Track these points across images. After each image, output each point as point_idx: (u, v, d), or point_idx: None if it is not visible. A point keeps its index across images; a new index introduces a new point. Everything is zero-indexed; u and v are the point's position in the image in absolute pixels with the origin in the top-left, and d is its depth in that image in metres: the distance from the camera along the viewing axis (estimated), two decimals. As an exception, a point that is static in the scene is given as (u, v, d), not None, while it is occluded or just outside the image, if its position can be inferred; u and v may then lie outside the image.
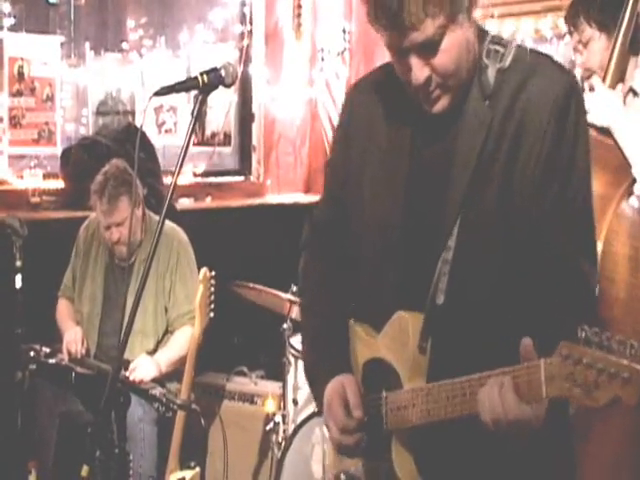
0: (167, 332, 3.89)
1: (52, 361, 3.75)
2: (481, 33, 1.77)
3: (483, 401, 1.57)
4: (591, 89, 2.73)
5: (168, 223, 3.85)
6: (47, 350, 3.75)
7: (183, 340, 3.77)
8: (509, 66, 1.75)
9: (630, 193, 2.62)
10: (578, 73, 2.87)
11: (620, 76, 2.73)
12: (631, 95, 2.75)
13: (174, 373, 3.78)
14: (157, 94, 2.04)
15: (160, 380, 3.71)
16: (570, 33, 2.85)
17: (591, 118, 2.75)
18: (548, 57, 1.83)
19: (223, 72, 2.06)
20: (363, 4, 1.69)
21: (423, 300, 1.76)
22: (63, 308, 4.02)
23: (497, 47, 1.77)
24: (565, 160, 1.72)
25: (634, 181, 2.60)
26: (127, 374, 3.59)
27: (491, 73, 1.75)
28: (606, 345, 1.37)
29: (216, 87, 2.06)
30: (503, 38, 1.80)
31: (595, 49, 2.76)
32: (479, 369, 1.62)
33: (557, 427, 1.71)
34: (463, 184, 1.73)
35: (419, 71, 1.68)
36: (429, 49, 1.66)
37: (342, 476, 1.92)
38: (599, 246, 2.54)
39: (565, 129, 1.71)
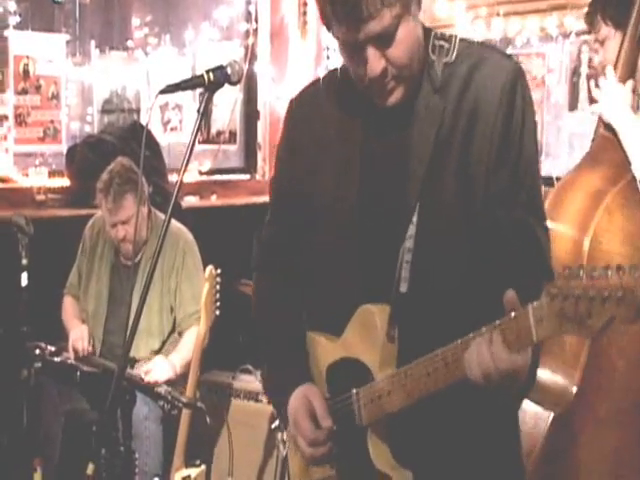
0: (173, 331, 3.89)
1: (57, 359, 3.75)
2: (425, 30, 1.80)
3: (471, 360, 1.57)
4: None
5: (174, 223, 3.85)
6: (52, 348, 3.75)
7: (194, 340, 3.77)
8: (455, 59, 1.78)
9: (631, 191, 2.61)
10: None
11: (630, 71, 2.72)
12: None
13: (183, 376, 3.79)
14: (163, 92, 2.04)
15: (173, 381, 3.71)
16: (589, 32, 2.85)
17: (599, 108, 2.75)
18: (491, 47, 1.90)
19: (229, 70, 2.05)
20: (318, 4, 1.70)
21: (386, 292, 1.77)
22: (69, 306, 4.03)
23: (442, 42, 1.80)
24: (516, 141, 1.76)
25: (634, 179, 2.59)
26: (134, 372, 3.59)
27: (438, 68, 1.78)
28: (594, 275, 1.38)
29: (222, 85, 2.06)
30: (445, 34, 1.83)
31: (611, 47, 2.75)
32: None
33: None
34: (420, 173, 1.75)
35: (375, 63, 1.69)
36: (385, 40, 1.67)
37: None
38: (586, 243, 2.53)
39: (513, 113, 1.75)
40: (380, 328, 1.77)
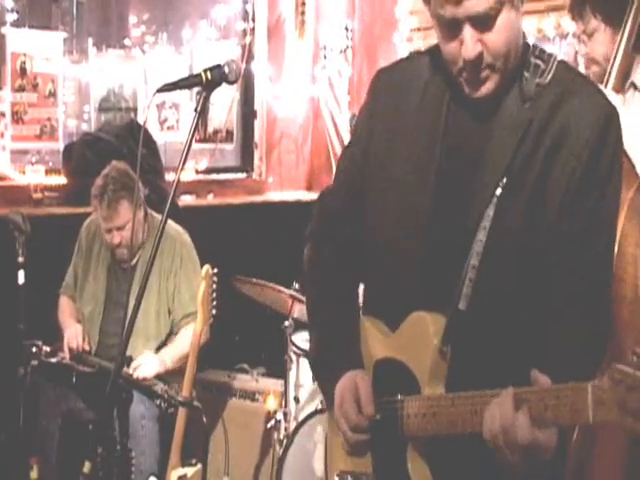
0: (170, 334, 3.88)
1: (53, 360, 3.74)
2: (525, 42, 1.75)
3: (492, 419, 1.54)
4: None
5: (172, 225, 3.85)
6: (48, 349, 3.74)
7: (188, 338, 3.77)
8: (549, 82, 1.73)
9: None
10: (581, 63, 2.86)
11: (624, 77, 2.70)
12: (632, 90, 2.73)
13: (179, 371, 3.78)
14: (160, 90, 2.04)
15: (164, 377, 3.70)
16: (575, 22, 2.81)
17: None
18: (588, 79, 1.83)
19: (226, 69, 2.05)
20: None
21: (442, 302, 1.73)
22: (64, 306, 4.01)
23: (538, 61, 1.74)
24: (598, 185, 1.70)
25: None
26: (129, 371, 3.58)
27: (531, 85, 1.72)
28: None
29: (219, 84, 2.06)
30: (545, 51, 1.77)
31: (599, 40, 2.71)
32: (498, 379, 1.59)
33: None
34: (492, 188, 1.70)
35: (472, 44, 1.65)
36: (484, 23, 1.63)
37: (349, 477, 1.86)
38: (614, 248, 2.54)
39: (603, 154, 1.70)
40: (432, 340, 1.72)
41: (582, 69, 2.85)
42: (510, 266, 1.71)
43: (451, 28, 1.67)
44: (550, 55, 1.77)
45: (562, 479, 1.85)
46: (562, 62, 1.76)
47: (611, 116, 1.72)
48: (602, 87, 2.70)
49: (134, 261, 3.85)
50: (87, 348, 3.77)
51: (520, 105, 1.72)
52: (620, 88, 2.69)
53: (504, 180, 1.70)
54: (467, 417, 1.62)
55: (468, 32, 1.65)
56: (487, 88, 1.71)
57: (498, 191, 1.70)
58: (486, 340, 1.72)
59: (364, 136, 1.92)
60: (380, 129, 1.88)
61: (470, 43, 1.65)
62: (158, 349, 3.81)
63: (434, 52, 1.81)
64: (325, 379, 1.92)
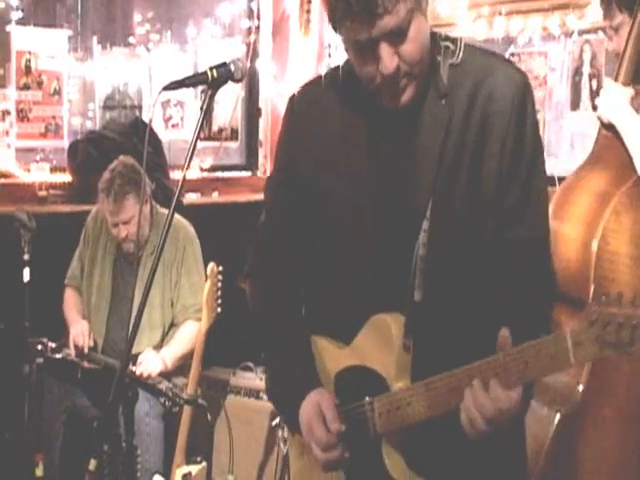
0: (173, 325, 3.89)
1: (59, 356, 3.75)
2: (431, 31, 1.78)
3: (469, 407, 1.61)
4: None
5: (176, 217, 3.85)
6: (53, 345, 3.75)
7: (188, 335, 3.78)
8: (461, 62, 1.77)
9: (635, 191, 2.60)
10: (586, 61, 2.85)
11: (634, 70, 2.70)
12: None
13: (179, 367, 3.79)
14: (166, 88, 2.03)
15: (167, 375, 3.71)
16: (603, 17, 2.82)
17: (598, 112, 2.74)
18: (497, 55, 1.89)
19: (232, 67, 2.04)
20: (326, 5, 1.67)
21: (398, 300, 1.76)
22: (70, 299, 4.02)
23: (447, 43, 1.79)
24: (528, 155, 1.77)
25: (639, 179, 2.58)
26: (133, 369, 3.59)
27: (444, 70, 1.76)
28: (636, 303, 1.42)
29: (225, 82, 2.05)
30: (450, 36, 1.82)
31: (625, 34, 2.72)
32: (462, 362, 1.63)
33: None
34: (428, 182, 1.74)
35: (389, 60, 1.66)
36: (398, 36, 1.65)
37: None
38: (594, 245, 2.53)
39: (525, 123, 1.76)
40: (396, 338, 1.75)
41: (588, 68, 2.84)
42: (455, 250, 1.76)
43: (367, 49, 1.68)
44: (455, 38, 1.81)
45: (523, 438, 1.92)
46: (467, 43, 1.81)
47: (524, 85, 1.77)
48: (612, 80, 2.71)
49: (139, 254, 3.86)
50: (92, 344, 3.77)
51: (438, 102, 1.76)
52: (629, 81, 2.69)
53: (436, 179, 1.74)
54: (445, 396, 1.66)
55: (384, 49, 1.66)
56: (407, 96, 1.73)
57: (432, 188, 1.74)
58: (446, 326, 1.76)
59: (288, 162, 1.95)
60: (303, 153, 1.90)
61: (387, 59, 1.66)
62: (162, 339, 3.82)
63: (346, 67, 1.83)
64: (286, 406, 1.92)
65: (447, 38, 1.80)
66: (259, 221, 2.05)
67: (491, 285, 1.77)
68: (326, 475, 1.88)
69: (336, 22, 1.68)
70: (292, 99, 1.97)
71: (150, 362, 3.64)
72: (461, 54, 1.78)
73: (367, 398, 1.79)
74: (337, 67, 1.89)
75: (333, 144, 1.85)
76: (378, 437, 1.79)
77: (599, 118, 2.74)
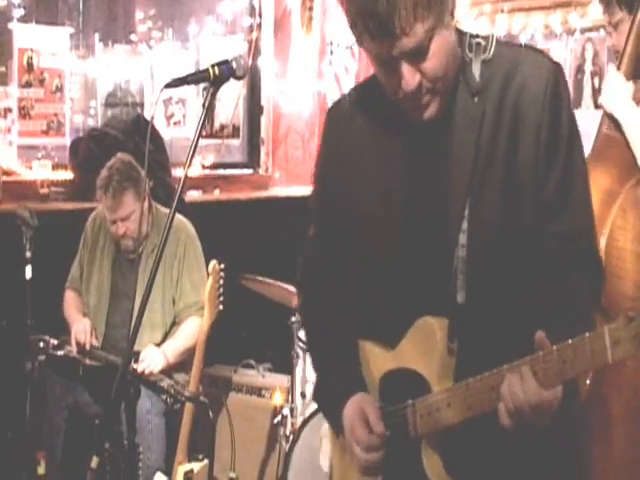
0: (175, 323, 3.89)
1: (60, 353, 3.75)
2: (459, 32, 1.78)
3: (504, 393, 1.59)
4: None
5: (176, 215, 3.84)
6: (55, 342, 3.75)
7: (190, 331, 3.78)
8: (493, 57, 1.76)
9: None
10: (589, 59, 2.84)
11: (635, 65, 2.69)
12: None
13: (181, 364, 3.79)
14: (168, 86, 2.03)
15: (167, 371, 3.71)
16: (604, 14, 2.81)
17: (601, 100, 2.73)
18: (529, 46, 1.88)
19: (234, 64, 2.04)
20: (348, 17, 1.67)
21: (442, 303, 1.75)
22: (70, 300, 4.02)
23: (478, 40, 1.78)
24: (564, 145, 1.74)
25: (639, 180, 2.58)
26: (135, 366, 3.59)
27: (476, 67, 1.75)
28: None
29: (227, 79, 2.05)
30: (479, 34, 1.80)
31: (624, 31, 2.70)
32: (505, 363, 1.62)
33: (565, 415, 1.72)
34: (464, 182, 1.73)
35: (410, 78, 1.66)
36: (419, 55, 1.64)
37: None
38: (602, 241, 2.52)
39: (560, 112, 1.74)
40: (440, 340, 1.75)
41: (590, 66, 2.84)
42: (496, 248, 1.74)
43: (388, 66, 1.68)
44: (487, 35, 1.80)
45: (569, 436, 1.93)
46: (499, 39, 1.80)
47: (557, 72, 1.75)
48: (615, 68, 2.70)
49: (138, 252, 3.86)
50: (95, 343, 3.78)
51: (470, 101, 1.74)
52: (630, 78, 2.69)
53: (472, 177, 1.73)
54: (485, 395, 1.64)
55: (405, 68, 1.66)
56: (430, 112, 1.73)
57: (469, 186, 1.73)
58: (489, 327, 1.75)
59: (327, 175, 1.98)
60: (339, 165, 1.92)
61: (409, 77, 1.66)
62: (163, 338, 3.83)
63: (377, 78, 1.83)
64: (331, 410, 1.95)
65: (478, 35, 1.79)
66: (307, 234, 2.09)
67: (533, 282, 1.74)
68: (365, 478, 1.89)
69: (356, 36, 1.69)
70: (328, 114, 1.99)
71: (152, 358, 3.64)
72: (492, 49, 1.76)
73: (409, 400, 1.79)
74: (371, 77, 1.88)
75: (369, 157, 1.85)
76: (418, 439, 1.79)
77: (601, 106, 2.74)
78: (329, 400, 1.96)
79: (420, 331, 1.80)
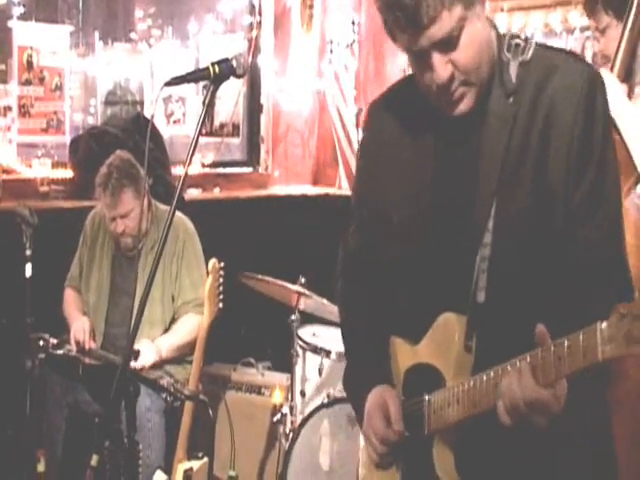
0: (174, 320, 3.89)
1: (60, 352, 3.75)
2: (498, 33, 1.78)
3: (502, 390, 1.60)
4: None
5: (175, 213, 3.84)
6: (55, 341, 3.75)
7: (186, 327, 3.78)
8: (531, 59, 1.76)
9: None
10: (588, 57, 2.86)
11: (627, 68, 2.70)
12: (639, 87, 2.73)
13: (177, 358, 3.79)
14: (168, 84, 2.04)
15: (161, 364, 3.71)
16: (589, 19, 2.82)
17: None
18: (567, 51, 1.87)
19: (234, 63, 2.05)
20: (381, 15, 1.69)
21: (463, 300, 1.76)
22: (70, 298, 4.03)
23: (517, 41, 1.77)
24: (598, 150, 1.73)
25: (639, 177, 2.59)
26: (133, 364, 3.58)
27: (513, 68, 1.75)
28: None
29: (227, 78, 2.06)
30: (521, 35, 1.80)
31: (612, 36, 2.71)
32: None
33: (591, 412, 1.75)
34: (493, 181, 1.73)
35: (441, 69, 1.67)
36: (449, 45, 1.65)
37: None
38: None
39: (594, 121, 1.72)
40: (458, 337, 1.77)
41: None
42: (520, 250, 1.74)
43: (421, 59, 1.69)
44: (527, 37, 1.80)
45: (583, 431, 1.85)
46: (538, 43, 1.80)
47: (594, 80, 1.74)
48: (608, 71, 2.70)
49: (138, 248, 3.86)
50: (93, 345, 3.77)
51: (505, 101, 1.75)
52: (623, 79, 2.69)
53: (502, 177, 1.73)
54: (489, 393, 1.65)
55: (436, 58, 1.67)
56: (464, 105, 1.73)
57: (497, 186, 1.73)
58: (508, 327, 1.75)
59: (364, 172, 2.02)
60: (377, 161, 1.95)
61: (440, 68, 1.67)
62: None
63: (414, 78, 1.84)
64: (355, 396, 1.99)
65: (517, 36, 1.79)
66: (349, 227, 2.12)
67: (554, 286, 1.74)
68: (384, 474, 1.92)
69: (389, 33, 1.71)
70: (369, 109, 2.02)
71: (144, 353, 3.64)
72: (531, 51, 1.76)
73: (426, 395, 1.82)
74: (411, 75, 1.88)
75: (404, 153, 1.88)
76: (432, 435, 1.80)
77: None
78: (355, 388, 2.00)
79: (440, 328, 1.82)
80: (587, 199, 1.72)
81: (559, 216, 1.73)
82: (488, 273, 1.74)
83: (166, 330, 3.85)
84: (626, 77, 2.71)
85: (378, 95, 2.03)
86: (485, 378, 1.66)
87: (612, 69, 2.71)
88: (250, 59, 5.49)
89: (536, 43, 1.78)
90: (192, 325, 3.71)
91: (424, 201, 1.83)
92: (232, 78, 2.07)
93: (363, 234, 2.04)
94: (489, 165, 1.74)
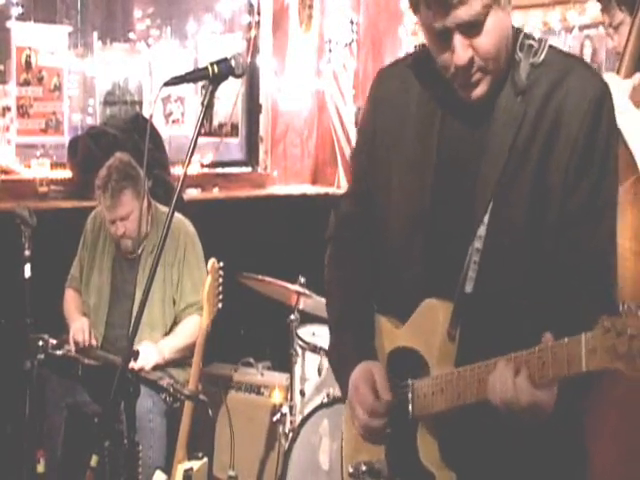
0: (175, 323, 3.89)
1: (60, 352, 3.75)
2: (514, 29, 1.78)
3: (494, 384, 1.60)
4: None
5: (176, 215, 3.84)
6: (54, 341, 3.75)
7: (189, 329, 3.78)
8: (542, 62, 1.77)
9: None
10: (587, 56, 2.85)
11: (636, 64, 2.70)
12: None
13: (179, 360, 3.79)
14: (167, 84, 2.04)
15: (164, 366, 3.71)
16: (603, 15, 2.82)
17: None
18: (580, 59, 1.88)
19: (233, 62, 2.05)
20: None
21: (450, 288, 1.77)
22: (70, 299, 4.02)
23: (531, 41, 1.78)
24: (598, 162, 1.75)
25: (638, 178, 2.59)
26: (133, 364, 3.58)
27: (524, 68, 1.76)
28: None
29: (226, 77, 2.06)
30: (533, 35, 1.81)
31: (626, 33, 2.71)
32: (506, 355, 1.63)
33: (569, 416, 1.73)
34: (494, 176, 1.75)
35: (462, 51, 1.68)
36: (473, 29, 1.67)
37: (363, 467, 1.90)
38: None
39: (599, 132, 1.74)
40: (442, 325, 1.78)
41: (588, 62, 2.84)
42: (513, 245, 1.75)
43: (442, 38, 1.70)
44: (541, 38, 1.81)
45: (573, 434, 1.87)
46: (551, 45, 1.80)
47: (603, 93, 1.76)
48: (614, 74, 2.70)
49: (138, 252, 3.86)
50: (94, 343, 3.77)
51: (514, 99, 1.76)
52: (631, 75, 2.69)
53: (503, 173, 1.74)
54: (473, 386, 1.67)
55: (458, 40, 1.68)
56: (481, 90, 1.75)
57: (498, 182, 1.75)
58: (493, 320, 1.76)
59: (368, 139, 2.00)
60: (382, 131, 1.94)
61: (461, 50, 1.68)
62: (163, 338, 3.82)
63: (430, 54, 1.84)
64: (341, 371, 1.96)
65: (532, 37, 1.80)
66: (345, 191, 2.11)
67: (543, 284, 1.75)
68: (371, 449, 1.91)
69: (413, 6, 1.71)
70: (379, 73, 2.01)
71: (145, 354, 3.63)
72: (544, 54, 1.77)
73: (410, 380, 1.82)
74: (425, 50, 1.88)
75: (409, 129, 1.88)
76: (415, 421, 1.81)
77: None
78: (341, 361, 1.98)
79: (424, 313, 1.82)
80: (583, 206, 1.74)
81: (554, 220, 1.74)
82: (479, 265, 1.76)
83: (167, 333, 3.85)
84: (635, 70, 2.71)
85: (385, 66, 2.03)
86: (470, 371, 1.67)
87: (621, 62, 2.71)
88: (249, 59, 5.49)
89: (550, 45, 1.79)
90: (195, 327, 3.71)
91: (425, 183, 1.83)
92: (231, 78, 2.07)
93: (357, 199, 2.04)
94: (492, 160, 1.75)
